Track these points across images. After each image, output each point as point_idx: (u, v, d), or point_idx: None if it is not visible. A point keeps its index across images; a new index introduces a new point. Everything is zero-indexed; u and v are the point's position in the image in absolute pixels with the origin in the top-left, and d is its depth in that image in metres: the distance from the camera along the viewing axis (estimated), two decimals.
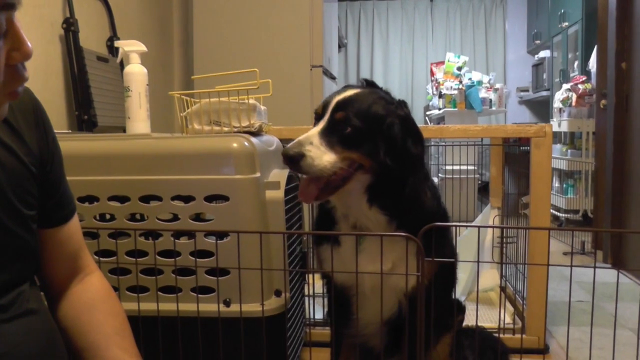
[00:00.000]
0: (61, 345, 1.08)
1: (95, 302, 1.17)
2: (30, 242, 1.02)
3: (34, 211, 1.04)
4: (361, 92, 1.50)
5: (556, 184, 5.41)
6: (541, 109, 7.38)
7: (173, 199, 1.56)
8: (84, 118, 2.46)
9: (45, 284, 1.16)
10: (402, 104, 1.53)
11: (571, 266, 1.46)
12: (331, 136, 1.42)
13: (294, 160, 1.39)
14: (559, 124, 5.36)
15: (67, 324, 1.13)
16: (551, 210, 4.50)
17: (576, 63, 5.83)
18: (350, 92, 1.49)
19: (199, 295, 1.53)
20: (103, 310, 1.16)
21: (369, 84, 1.63)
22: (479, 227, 1.66)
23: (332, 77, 3.99)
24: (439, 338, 1.71)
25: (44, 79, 2.33)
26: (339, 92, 1.51)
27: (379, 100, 1.49)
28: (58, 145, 1.14)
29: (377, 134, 1.45)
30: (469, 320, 2.05)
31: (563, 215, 5.24)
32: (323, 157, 1.40)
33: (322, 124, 1.44)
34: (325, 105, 1.48)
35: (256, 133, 1.78)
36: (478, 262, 1.37)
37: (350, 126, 1.42)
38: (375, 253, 1.44)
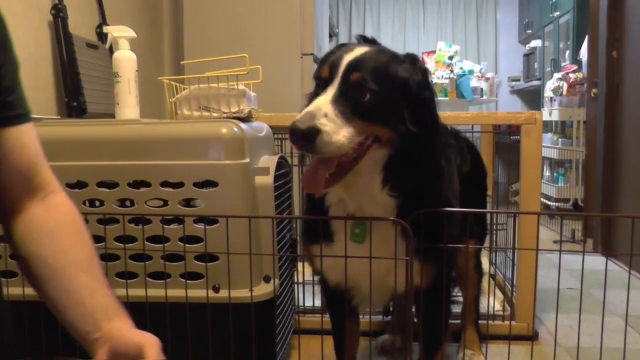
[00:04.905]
0: None
1: (60, 225, 1.04)
2: None
3: None
4: (372, 50, 1.24)
5: (547, 173, 5.42)
6: (532, 98, 7.38)
7: (162, 184, 1.55)
8: (73, 105, 2.45)
9: None
10: (413, 58, 1.28)
11: (560, 251, 1.46)
12: (346, 105, 1.15)
13: (307, 137, 1.11)
14: (550, 113, 5.37)
15: (27, 249, 1.00)
16: (542, 199, 4.52)
17: (567, 52, 5.83)
18: (360, 50, 1.22)
19: (188, 281, 1.53)
20: (69, 235, 1.03)
21: (368, 41, 1.38)
22: (469, 211, 1.66)
23: None
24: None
25: (33, 65, 2.31)
26: (344, 51, 1.23)
27: (393, 58, 1.25)
28: (13, 53, 1.03)
29: (400, 98, 1.21)
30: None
31: (554, 204, 5.26)
32: (340, 132, 1.13)
33: (332, 90, 1.17)
34: (332, 67, 1.20)
35: (246, 119, 1.78)
36: (467, 247, 1.37)
37: (369, 91, 1.16)
38: (373, 251, 1.28)
